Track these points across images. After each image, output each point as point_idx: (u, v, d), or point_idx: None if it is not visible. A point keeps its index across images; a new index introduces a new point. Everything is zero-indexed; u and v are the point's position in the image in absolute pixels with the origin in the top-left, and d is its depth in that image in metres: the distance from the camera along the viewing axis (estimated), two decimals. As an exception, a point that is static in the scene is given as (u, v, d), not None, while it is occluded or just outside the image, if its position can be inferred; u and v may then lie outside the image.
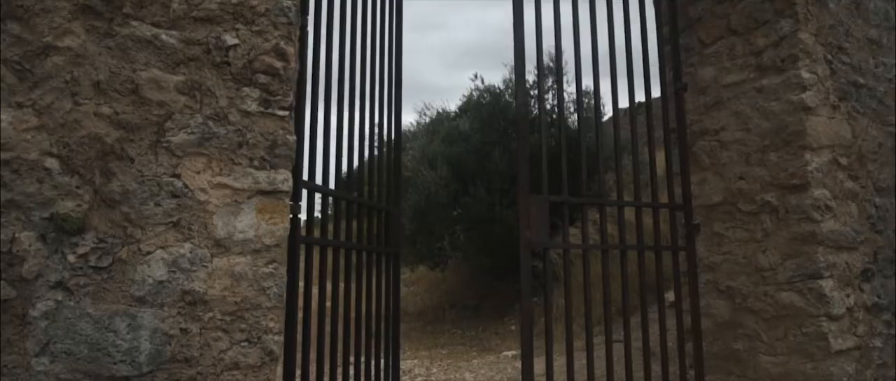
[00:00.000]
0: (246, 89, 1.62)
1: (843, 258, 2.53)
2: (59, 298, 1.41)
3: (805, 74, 2.57)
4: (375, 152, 2.68)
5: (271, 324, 1.56)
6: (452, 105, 11.32)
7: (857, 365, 2.48)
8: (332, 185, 2.39)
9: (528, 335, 2.53)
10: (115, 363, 1.42)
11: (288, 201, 1.65)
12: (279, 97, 1.65)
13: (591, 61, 2.79)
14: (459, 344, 6.35)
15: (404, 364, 5.05)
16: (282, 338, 1.58)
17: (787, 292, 2.55)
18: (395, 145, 2.89)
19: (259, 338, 1.54)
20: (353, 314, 2.48)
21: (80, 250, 1.44)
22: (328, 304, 2.45)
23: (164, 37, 1.57)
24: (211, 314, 1.51)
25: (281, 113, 1.65)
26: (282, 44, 1.66)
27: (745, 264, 2.72)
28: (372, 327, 2.56)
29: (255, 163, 1.61)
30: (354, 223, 2.54)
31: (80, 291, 1.43)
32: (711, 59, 2.93)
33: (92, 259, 1.44)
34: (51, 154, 1.45)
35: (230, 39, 1.62)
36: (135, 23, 1.55)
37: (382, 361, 2.65)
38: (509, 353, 5.37)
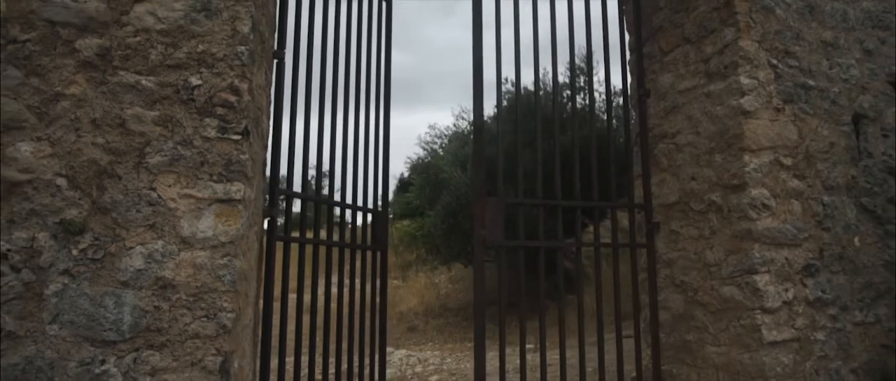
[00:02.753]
0: (207, 120, 2.06)
1: (782, 254, 2.65)
2: (66, 281, 1.90)
3: (744, 80, 2.70)
4: (361, 161, 3.06)
5: (225, 304, 1.98)
6: (492, 106, 11.57)
7: (795, 356, 2.59)
8: (312, 191, 2.82)
9: (480, 325, 2.83)
10: (104, 331, 1.89)
11: (241, 208, 2.07)
12: (234, 124, 2.07)
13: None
14: (488, 339, 6.64)
15: (423, 355, 5.43)
16: (234, 315, 2.00)
17: (729, 286, 2.70)
18: (384, 153, 3.27)
19: (215, 315, 1.97)
20: (333, 308, 2.84)
21: (81, 246, 1.92)
22: (308, 296, 2.86)
23: (144, 82, 2.04)
24: (178, 296, 1.95)
25: (235, 137, 2.07)
26: (236, 82, 2.09)
27: (695, 260, 2.89)
28: (353, 320, 2.88)
29: (214, 177, 2.04)
30: (339, 224, 2.94)
31: (80, 276, 1.91)
32: (670, 67, 3.10)
33: (89, 253, 1.92)
34: (60, 175, 1.95)
35: (195, 81, 2.06)
36: (122, 72, 2.03)
37: (370, 354, 2.93)
38: (527, 347, 5.61)
